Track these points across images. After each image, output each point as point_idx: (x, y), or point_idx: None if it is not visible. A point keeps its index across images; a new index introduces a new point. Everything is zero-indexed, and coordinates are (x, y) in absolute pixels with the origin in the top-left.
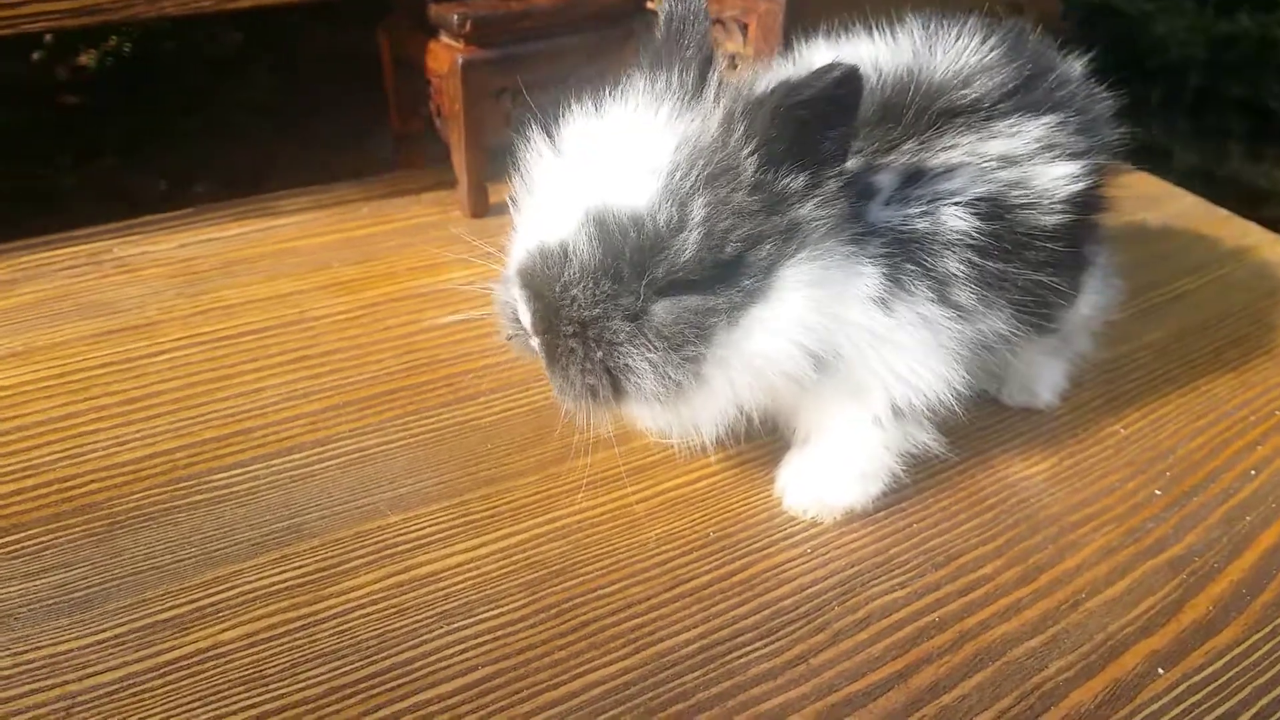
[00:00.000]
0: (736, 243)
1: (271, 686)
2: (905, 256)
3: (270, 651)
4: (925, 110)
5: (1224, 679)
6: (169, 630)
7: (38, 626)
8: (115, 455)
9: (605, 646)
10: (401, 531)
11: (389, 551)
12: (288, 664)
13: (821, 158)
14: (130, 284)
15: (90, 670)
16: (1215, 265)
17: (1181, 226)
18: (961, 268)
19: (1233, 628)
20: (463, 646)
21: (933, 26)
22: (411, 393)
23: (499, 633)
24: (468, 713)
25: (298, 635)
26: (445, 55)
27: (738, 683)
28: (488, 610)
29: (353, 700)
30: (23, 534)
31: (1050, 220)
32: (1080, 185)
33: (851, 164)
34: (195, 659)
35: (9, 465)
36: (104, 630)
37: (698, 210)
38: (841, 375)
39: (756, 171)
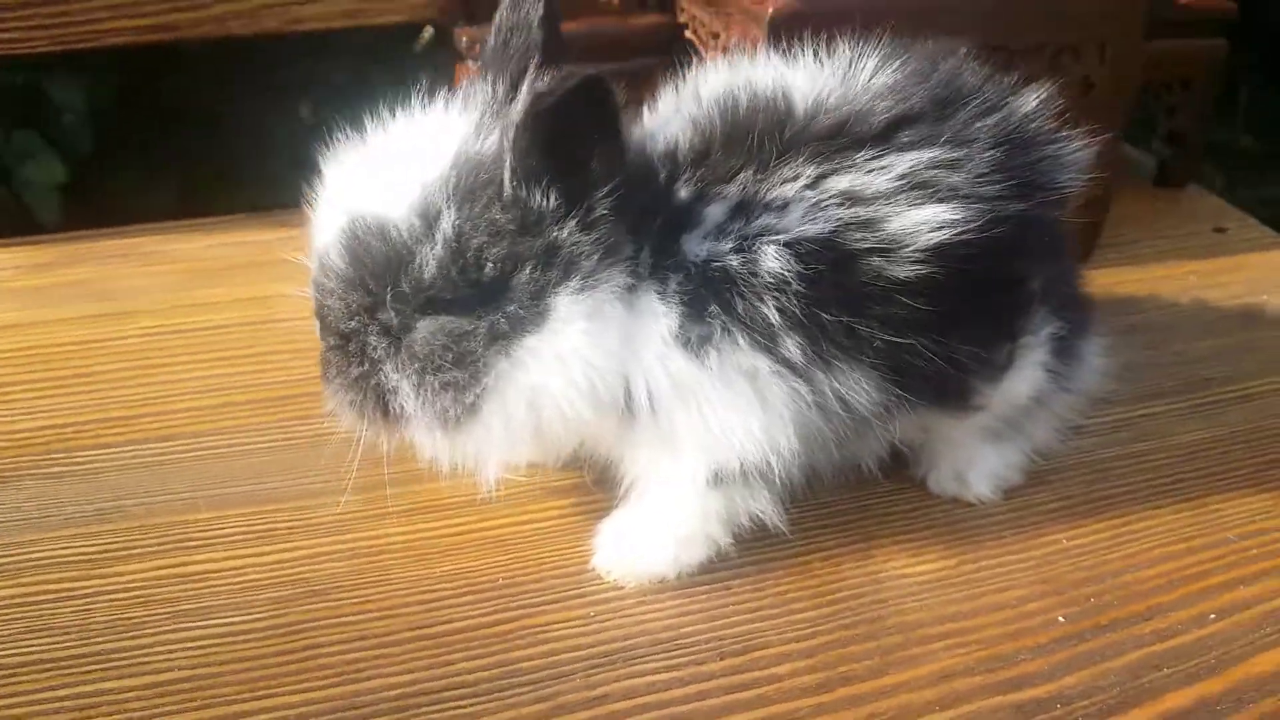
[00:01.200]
0: (494, 263)
1: None
2: (714, 298)
3: (13, 616)
4: (772, 136)
5: None
6: None
7: None
8: (16, 423)
9: (307, 675)
10: (202, 528)
11: (176, 545)
12: (21, 629)
13: (580, 175)
14: (143, 277)
15: None
16: None
17: None
18: (781, 316)
19: None
20: (173, 646)
21: (851, 51)
22: (312, 399)
23: (217, 640)
24: (135, 712)
25: (44, 606)
26: None
27: None
28: (223, 616)
29: (42, 676)
30: None
31: (903, 272)
32: (948, 236)
33: (683, 193)
34: None
35: None
36: None
37: (446, 223)
38: (654, 427)
39: (513, 187)
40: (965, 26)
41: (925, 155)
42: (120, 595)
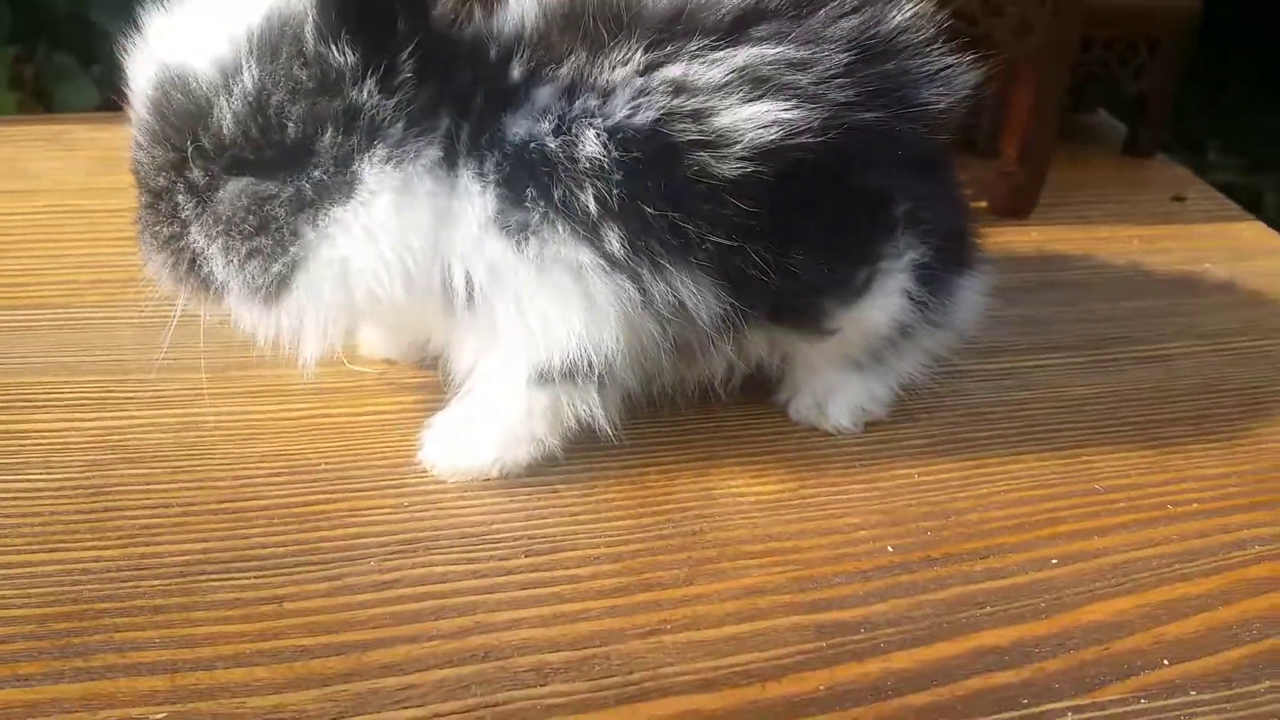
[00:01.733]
0: (294, 123)
1: None
2: (532, 181)
3: None
4: (609, 19)
5: None
6: None
7: None
8: None
9: (102, 535)
10: (45, 391)
11: (12, 404)
12: None
13: (381, 32)
14: (61, 159)
15: None
16: (1253, 334)
17: (1253, 286)
18: (600, 204)
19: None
20: None
21: None
22: None
23: (20, 494)
24: None
25: None
26: None
27: (186, 602)
28: (32, 473)
29: None
30: None
31: (730, 170)
32: (777, 135)
33: (515, 73)
34: None
35: None
36: None
37: (246, 77)
38: (474, 318)
39: (313, 41)
40: None
41: (768, 51)
42: None
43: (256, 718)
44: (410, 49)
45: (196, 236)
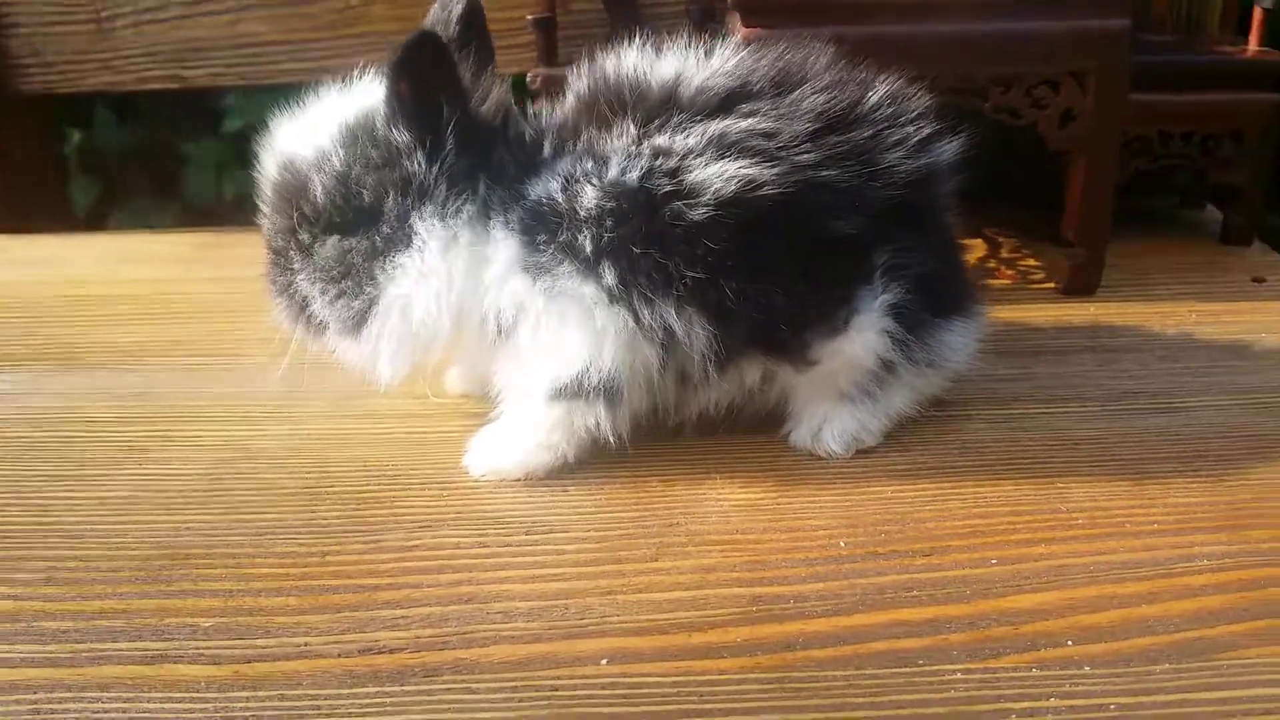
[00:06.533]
0: (369, 191)
1: None
2: (543, 229)
3: None
4: (615, 104)
5: (657, 690)
6: None
7: None
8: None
9: (173, 504)
10: (189, 411)
11: (161, 417)
12: (14, 453)
13: (427, 114)
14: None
15: None
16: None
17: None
18: (595, 245)
19: (739, 660)
20: (94, 474)
21: (714, 44)
22: None
23: (135, 482)
24: (28, 499)
25: (52, 446)
26: None
27: (245, 555)
28: (153, 468)
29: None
30: None
31: (700, 215)
32: (733, 189)
33: (546, 149)
34: None
35: None
36: None
37: (335, 158)
38: (506, 345)
39: (381, 127)
40: (934, 57)
41: (740, 123)
42: (100, 440)
43: (282, 627)
44: (451, 129)
45: (303, 282)
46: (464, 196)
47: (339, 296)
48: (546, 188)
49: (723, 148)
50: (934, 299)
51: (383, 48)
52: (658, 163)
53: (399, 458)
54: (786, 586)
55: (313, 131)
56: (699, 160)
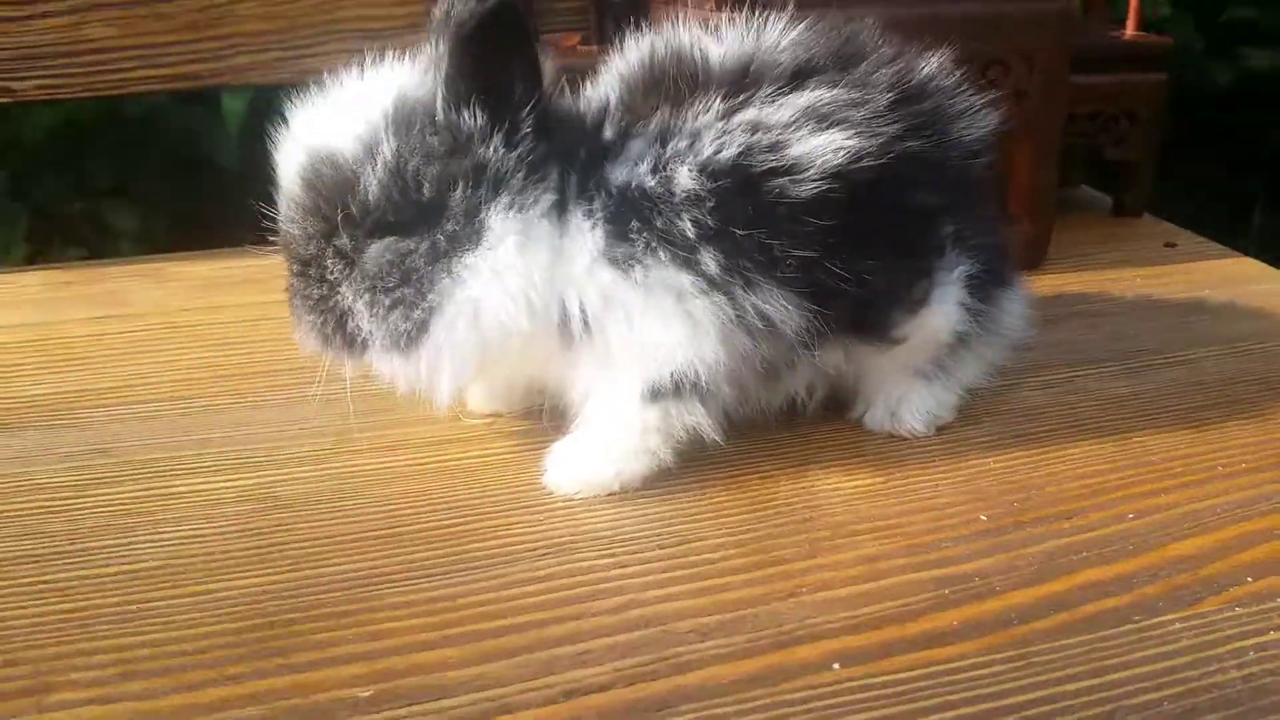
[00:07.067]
0: (430, 183)
1: None
2: (635, 216)
3: (7, 524)
4: (686, 80)
5: (906, 687)
6: None
7: None
8: (26, 390)
9: (271, 563)
10: (185, 461)
11: (160, 472)
12: (15, 533)
13: (503, 94)
14: (155, 289)
15: None
16: (1256, 338)
17: (1251, 305)
18: (696, 230)
19: (968, 645)
20: (147, 545)
21: (763, 21)
22: (293, 372)
23: (188, 540)
24: (110, 592)
25: (41, 517)
26: None
27: (366, 607)
28: (196, 524)
29: (30, 567)
30: None
31: (806, 191)
32: (843, 159)
33: (609, 132)
34: None
35: None
36: None
37: (386, 150)
38: (591, 345)
39: (443, 111)
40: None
41: (827, 93)
42: (106, 511)
43: (459, 685)
44: (528, 110)
45: (345, 295)
46: (542, 185)
47: (394, 307)
48: (633, 172)
49: (818, 120)
50: (995, 269)
51: (253, 50)
52: (755, 138)
53: (461, 488)
54: (961, 565)
55: (347, 121)
56: (797, 134)
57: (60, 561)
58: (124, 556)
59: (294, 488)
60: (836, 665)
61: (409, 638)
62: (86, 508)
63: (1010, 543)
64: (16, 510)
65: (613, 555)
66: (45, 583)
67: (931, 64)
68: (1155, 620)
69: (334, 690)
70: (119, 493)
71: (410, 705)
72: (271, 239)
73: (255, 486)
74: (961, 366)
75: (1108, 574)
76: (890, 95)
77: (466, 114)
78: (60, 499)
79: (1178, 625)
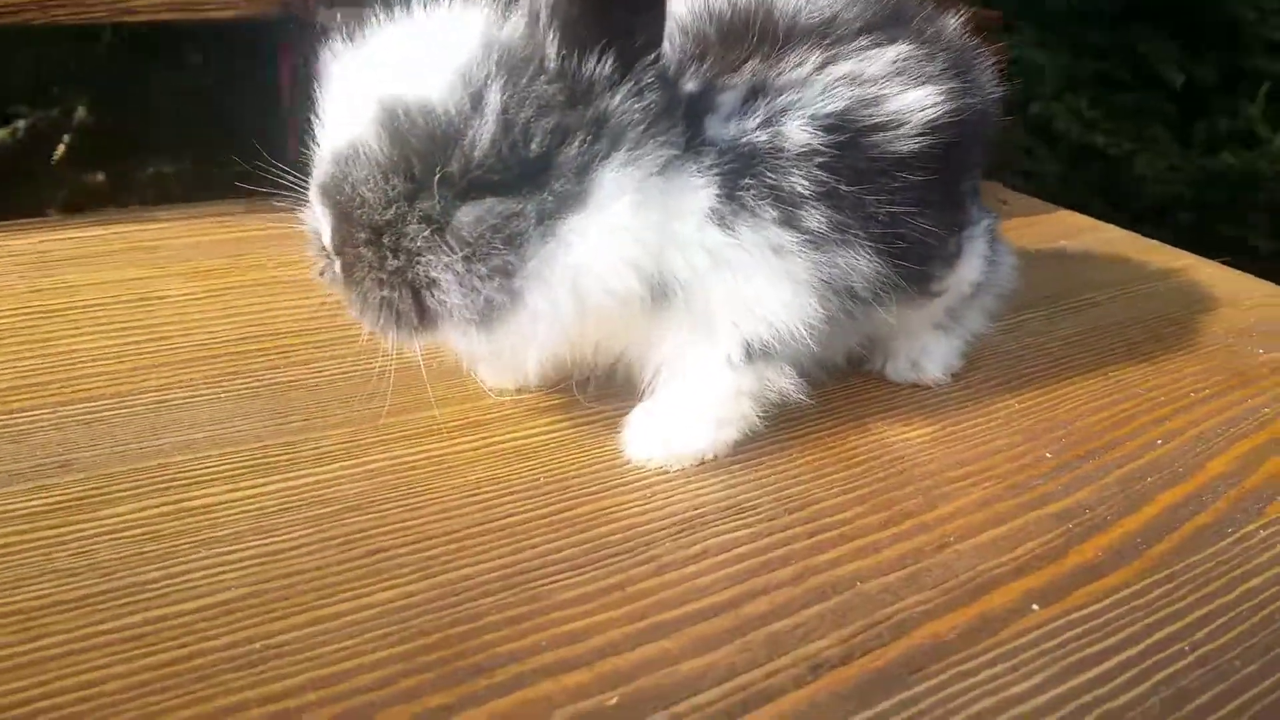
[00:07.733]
0: (541, 136)
1: None
2: (746, 172)
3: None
4: (769, 31)
5: (1108, 617)
6: None
7: None
8: None
9: (390, 573)
10: (182, 469)
11: (161, 485)
12: (9, 580)
13: (629, 42)
14: None
15: None
16: (1138, 280)
17: (1103, 251)
18: (808, 186)
19: (1123, 571)
20: (218, 569)
21: None
22: (237, 358)
23: (265, 558)
24: (207, 629)
25: (29, 554)
26: None
27: (539, 607)
28: (259, 539)
29: (74, 614)
30: None
31: (904, 146)
32: (938, 113)
33: (691, 85)
34: None
35: None
36: None
37: (494, 97)
38: (686, 306)
39: (559, 57)
40: None
41: (906, 49)
42: (120, 535)
43: (698, 678)
44: (651, 58)
45: (430, 264)
46: (657, 139)
47: (490, 277)
48: (740, 126)
49: (903, 74)
50: (995, 222)
51: None
52: (857, 91)
53: (531, 471)
54: (1062, 500)
55: (438, 67)
56: (890, 88)
57: (103, 604)
58: (190, 588)
59: (344, 488)
60: (1035, 606)
61: (608, 634)
62: (88, 535)
63: (1084, 476)
64: (42, 542)
65: (748, 525)
66: (100, 632)
67: (952, 21)
68: (1244, 531)
69: (571, 703)
70: (120, 513)
71: (667, 706)
72: (298, 204)
73: (294, 489)
74: (970, 316)
75: (1178, 495)
76: (945, 54)
77: (591, 61)
78: (36, 530)
79: (1262, 533)
